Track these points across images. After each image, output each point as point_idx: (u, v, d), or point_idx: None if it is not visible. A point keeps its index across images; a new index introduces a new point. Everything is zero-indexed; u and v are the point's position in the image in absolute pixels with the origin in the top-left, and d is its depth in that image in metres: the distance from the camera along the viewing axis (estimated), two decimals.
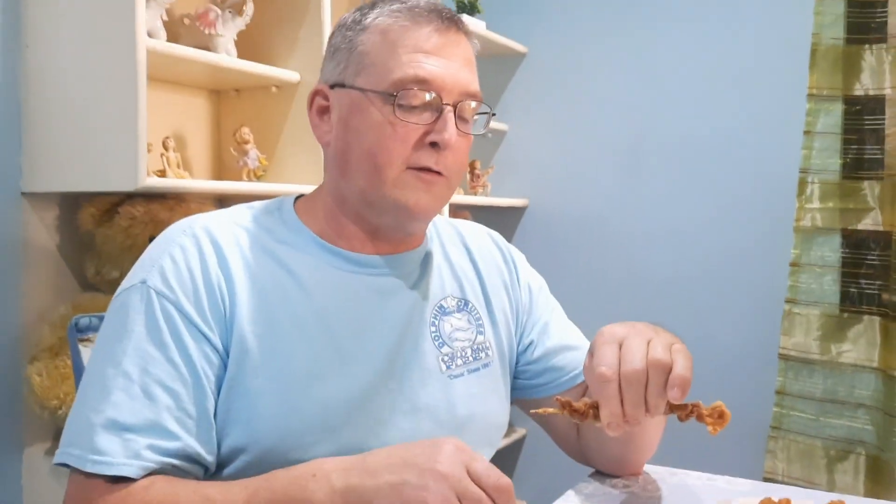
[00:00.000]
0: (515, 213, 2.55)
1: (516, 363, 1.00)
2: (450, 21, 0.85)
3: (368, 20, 0.85)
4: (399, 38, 0.82)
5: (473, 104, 0.86)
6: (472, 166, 2.48)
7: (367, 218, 0.86)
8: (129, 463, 0.71)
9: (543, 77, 2.51)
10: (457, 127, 0.83)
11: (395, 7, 0.85)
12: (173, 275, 0.78)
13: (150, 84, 1.36)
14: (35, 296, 1.50)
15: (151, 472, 0.72)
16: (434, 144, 0.82)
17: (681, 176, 2.29)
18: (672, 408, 0.73)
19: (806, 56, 2.01)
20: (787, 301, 2.05)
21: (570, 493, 0.96)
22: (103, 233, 1.47)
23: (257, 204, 0.91)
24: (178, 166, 1.56)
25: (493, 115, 0.90)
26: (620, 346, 0.72)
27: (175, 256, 0.79)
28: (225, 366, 0.78)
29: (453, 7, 2.34)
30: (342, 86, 0.85)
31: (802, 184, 2.03)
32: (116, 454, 0.71)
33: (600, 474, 1.03)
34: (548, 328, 1.01)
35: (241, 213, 0.88)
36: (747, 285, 2.19)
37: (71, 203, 1.55)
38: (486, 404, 0.92)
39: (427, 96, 0.81)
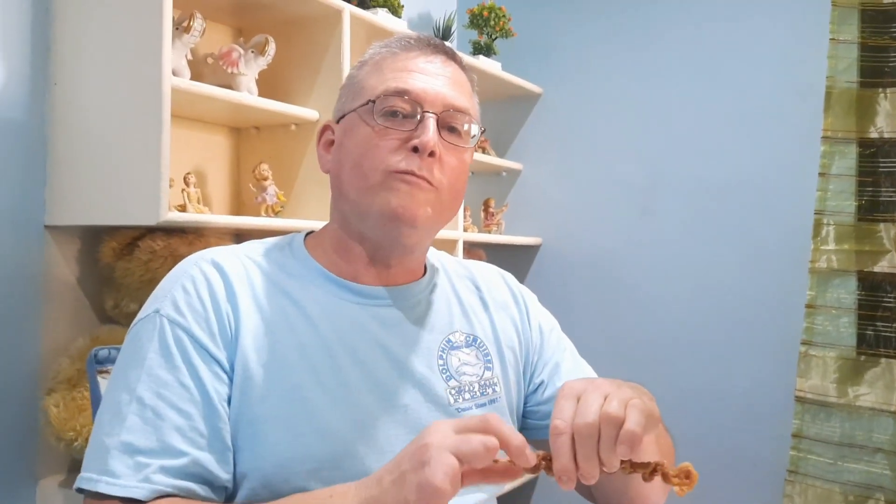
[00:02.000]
0: (529, 251, 2.56)
1: (525, 403, 1.00)
2: (437, 48, 0.90)
3: (367, 56, 0.92)
4: (387, 62, 0.88)
5: (465, 125, 0.88)
6: (486, 204, 2.50)
7: (366, 234, 0.88)
8: (139, 486, 0.72)
9: (558, 118, 2.54)
10: (441, 137, 0.85)
11: (391, 40, 0.91)
12: (184, 303, 0.81)
13: (172, 121, 1.39)
14: (54, 328, 1.52)
15: (166, 495, 0.74)
16: (415, 149, 0.83)
17: (695, 217, 2.30)
18: (633, 466, 0.71)
19: (820, 100, 2.03)
20: (803, 343, 2.03)
21: None
22: (123, 266, 1.48)
23: (269, 240, 0.93)
24: (199, 201, 1.58)
25: (483, 130, 0.93)
26: (578, 400, 0.70)
27: (186, 287, 0.82)
28: (231, 387, 0.80)
29: (469, 49, 2.38)
30: (343, 116, 0.90)
31: (818, 226, 2.03)
32: (128, 476, 0.73)
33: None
34: (559, 369, 1.00)
35: (252, 248, 0.91)
36: (762, 327, 2.18)
37: (92, 237, 1.57)
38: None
39: (407, 106, 0.85)
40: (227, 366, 0.80)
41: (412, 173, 0.83)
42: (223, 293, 0.82)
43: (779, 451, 2.05)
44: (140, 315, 0.84)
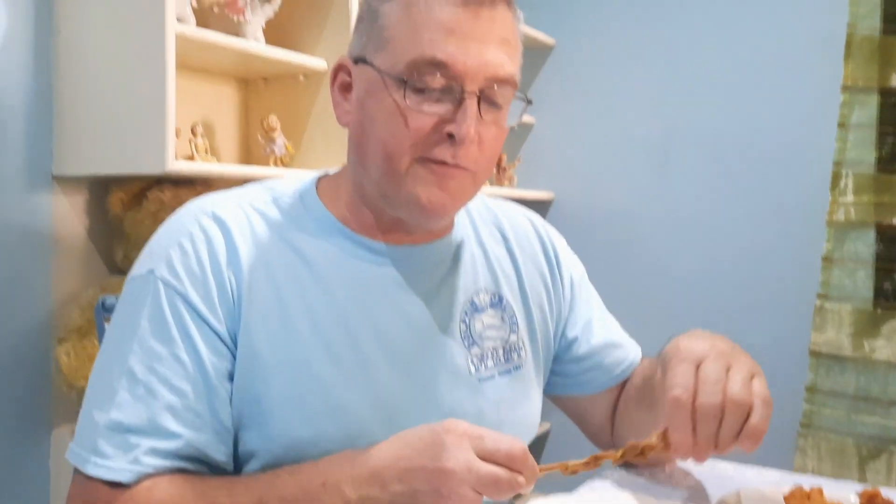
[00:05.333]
0: (541, 206, 2.53)
1: (556, 360, 0.94)
2: None
3: None
4: (421, 12, 0.71)
5: (510, 97, 0.75)
6: (498, 160, 2.46)
7: (385, 210, 0.79)
8: (128, 469, 0.67)
9: (571, 70, 2.48)
10: (481, 115, 0.72)
11: None
12: (181, 265, 0.73)
13: (179, 71, 1.37)
14: (64, 278, 1.51)
15: (161, 473, 0.69)
16: (451, 136, 0.72)
17: (711, 170, 2.26)
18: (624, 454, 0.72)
19: (840, 48, 1.97)
20: (819, 297, 2.01)
21: (597, 480, 0.94)
22: (132, 217, 1.48)
23: (279, 184, 0.83)
24: (207, 152, 1.56)
25: (530, 103, 0.78)
26: (698, 368, 0.67)
27: (184, 246, 0.74)
28: (233, 361, 0.73)
29: None
30: (364, 61, 0.76)
31: (836, 177, 1.99)
32: (117, 458, 0.68)
33: (627, 464, 1.01)
34: (591, 324, 0.94)
35: (258, 195, 0.81)
36: (778, 280, 2.15)
37: (100, 188, 1.56)
38: (517, 409, 0.86)
39: (443, 80, 0.71)
40: (227, 338, 0.72)
41: (445, 163, 0.73)
42: (224, 255, 0.74)
43: (792, 404, 2.04)
44: (134, 271, 0.76)
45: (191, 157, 1.54)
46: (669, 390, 0.67)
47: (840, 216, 1.98)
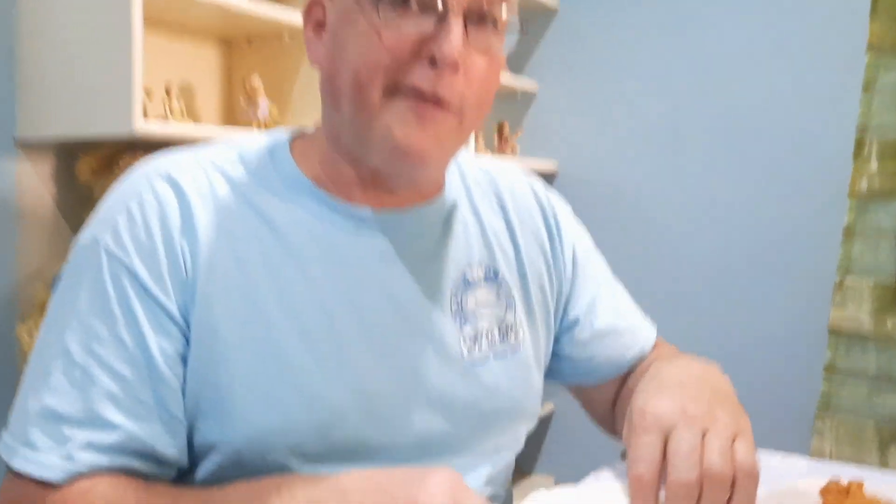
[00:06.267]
0: (544, 178, 2.42)
1: (556, 343, 0.85)
2: None
3: None
4: None
5: (502, 13, 0.65)
6: (500, 128, 2.36)
7: (362, 159, 0.69)
8: (60, 466, 0.60)
9: (576, 36, 2.36)
10: (468, 37, 0.63)
11: None
12: (128, 233, 0.64)
13: (154, 29, 1.28)
14: (30, 251, 1.43)
15: (101, 472, 0.61)
16: (432, 61, 0.62)
17: (724, 140, 2.14)
18: None
19: (865, 4, 1.85)
20: (839, 271, 1.91)
21: (604, 471, 0.84)
22: (102, 185, 1.38)
23: (248, 141, 0.74)
24: (182, 115, 1.46)
25: (525, 32, 0.69)
26: (666, 439, 0.59)
27: (132, 211, 0.65)
28: (187, 342, 0.65)
29: None
30: None
31: (860, 144, 1.87)
32: (49, 451, 0.60)
33: None
34: (595, 304, 0.85)
35: (222, 154, 0.71)
36: (795, 255, 2.04)
37: (68, 154, 1.48)
38: (513, 397, 0.78)
39: None
40: (178, 317, 0.64)
41: (425, 96, 0.64)
42: (178, 223, 0.65)
43: (810, 385, 1.95)
44: (79, 238, 0.68)
45: (165, 120, 1.44)
46: (631, 466, 0.58)
47: (863, 186, 1.87)
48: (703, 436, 0.58)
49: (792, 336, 2.03)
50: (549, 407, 2.41)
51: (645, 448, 0.58)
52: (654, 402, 0.61)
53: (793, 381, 2.01)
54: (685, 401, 0.61)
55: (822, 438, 1.91)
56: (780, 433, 1.97)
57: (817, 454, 1.89)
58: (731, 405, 0.63)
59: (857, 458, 1.85)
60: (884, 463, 1.84)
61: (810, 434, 1.94)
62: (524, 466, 2.49)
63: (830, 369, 1.91)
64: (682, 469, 0.56)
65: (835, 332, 1.91)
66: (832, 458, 1.88)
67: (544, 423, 2.45)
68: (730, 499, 0.57)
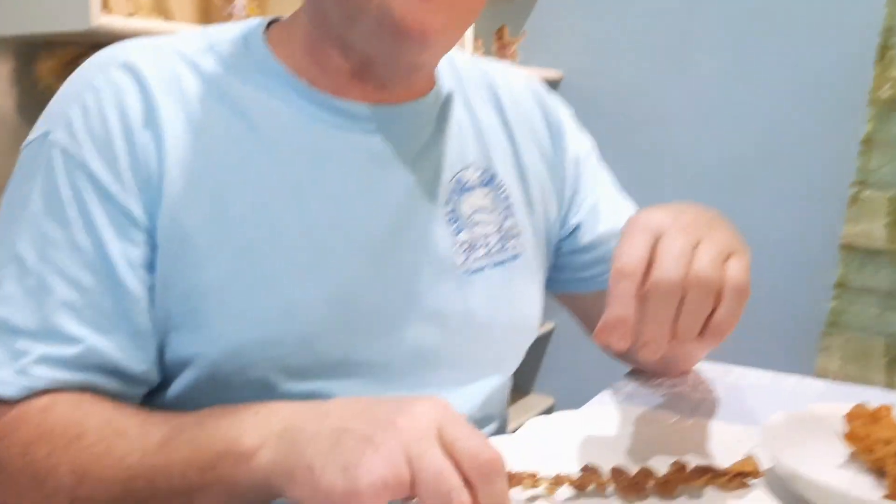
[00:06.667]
0: (548, 86, 2.29)
1: (556, 251, 0.81)
2: None
3: None
4: None
5: None
6: (500, 33, 2.22)
7: (354, 44, 0.63)
8: (13, 381, 0.55)
9: None
10: None
11: None
12: (82, 126, 0.58)
13: None
14: None
15: (62, 390, 0.56)
16: None
17: (735, 43, 2.01)
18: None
19: None
20: (855, 184, 1.82)
21: (607, 393, 0.78)
22: None
23: (217, 30, 0.67)
24: (151, 10, 1.34)
25: None
26: (656, 242, 0.53)
27: (86, 102, 0.59)
28: (154, 247, 0.59)
29: None
30: None
31: (883, 48, 1.76)
32: (2, 365, 0.55)
33: (640, 373, 0.85)
34: (598, 209, 0.80)
35: (189, 42, 0.65)
36: (809, 166, 1.94)
37: (29, 56, 1.37)
38: (513, 307, 0.73)
39: None
40: (142, 218, 0.59)
41: None
42: (139, 113, 0.59)
43: (818, 302, 1.89)
44: (30, 135, 0.62)
45: (132, 16, 1.32)
46: (615, 262, 0.52)
47: (885, 92, 1.76)
48: (696, 246, 0.52)
49: (802, 251, 1.96)
50: (548, 326, 2.36)
51: (632, 245, 0.52)
52: (649, 212, 0.55)
53: (800, 298, 1.95)
54: (680, 213, 0.55)
55: (828, 357, 1.87)
56: (784, 351, 1.92)
57: (822, 373, 1.84)
58: (733, 232, 0.57)
59: (864, 378, 1.81)
60: (890, 382, 1.79)
61: (816, 352, 1.88)
62: (522, 386, 2.46)
63: (841, 286, 1.85)
64: (669, 268, 0.50)
65: (847, 248, 1.84)
66: (838, 377, 1.83)
67: (543, 342, 2.40)
68: (713, 312, 0.51)
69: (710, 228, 0.54)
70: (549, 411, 2.31)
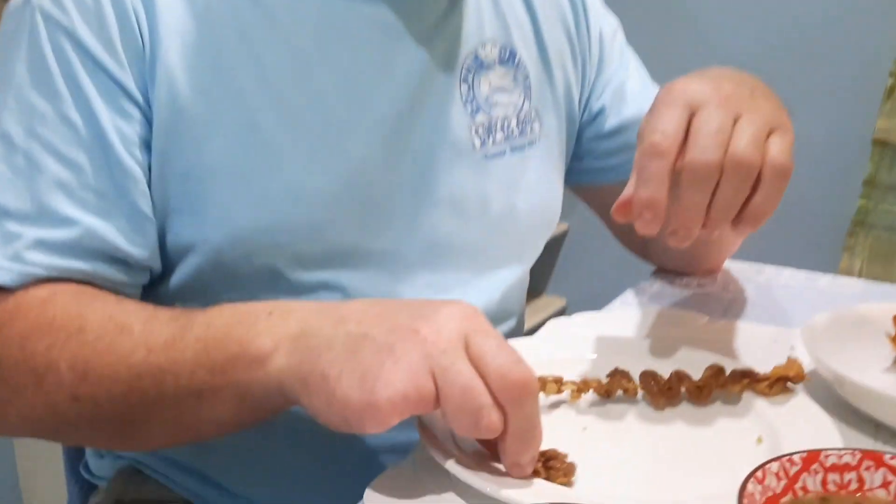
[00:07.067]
0: None
1: (578, 137, 0.77)
2: None
3: None
4: None
5: None
6: None
7: None
8: (7, 266, 0.51)
9: None
10: None
11: None
12: None
13: None
14: None
15: (63, 280, 0.52)
16: None
17: None
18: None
19: None
20: (892, 74, 1.72)
21: (631, 293, 0.73)
22: None
23: None
24: None
25: None
26: (692, 115, 0.48)
27: None
28: (149, 124, 0.55)
29: None
30: None
31: None
32: None
33: (666, 272, 0.80)
34: (623, 91, 0.75)
35: None
36: (843, 56, 1.83)
37: None
38: (532, 195, 0.70)
39: None
40: (137, 94, 0.55)
41: None
42: None
43: (846, 200, 1.83)
44: (11, 1, 0.57)
45: None
46: (646, 137, 0.48)
47: None
48: (736, 122, 0.48)
49: (831, 146, 1.87)
50: (562, 227, 2.31)
51: (665, 119, 0.48)
52: (685, 80, 0.51)
53: (827, 195, 1.88)
54: (720, 82, 0.50)
55: (852, 256, 1.82)
56: (807, 249, 1.87)
57: (846, 272, 1.80)
58: (776, 102, 0.53)
59: (888, 277, 1.77)
60: None
61: (840, 251, 1.83)
62: (534, 287, 2.42)
63: (869, 183, 1.79)
64: (705, 147, 0.46)
65: (879, 144, 1.76)
66: (861, 276, 1.79)
67: (557, 243, 2.37)
68: (751, 195, 0.48)
69: (752, 100, 0.50)
70: (561, 313, 2.30)
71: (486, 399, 0.39)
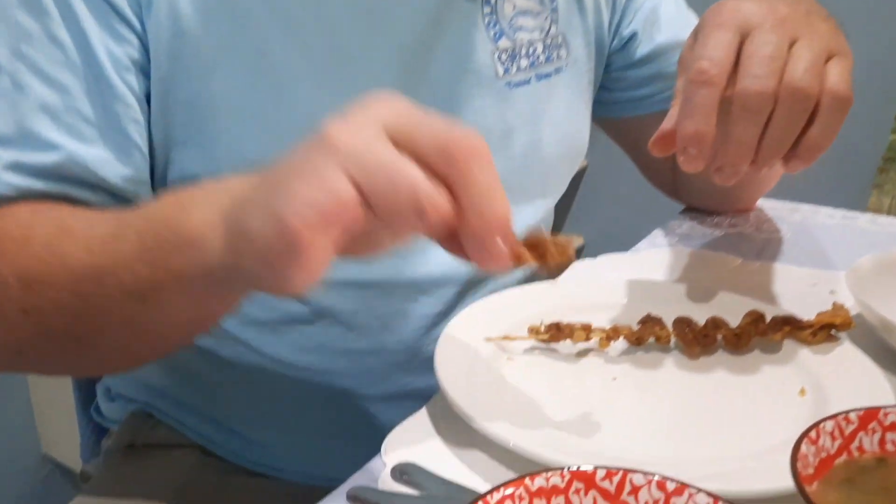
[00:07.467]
0: None
1: (607, 66, 0.72)
2: None
3: None
4: None
5: None
6: None
7: None
8: None
9: None
10: None
11: None
12: None
13: None
14: None
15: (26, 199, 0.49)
16: None
17: None
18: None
19: None
20: None
21: (659, 233, 0.70)
22: None
23: None
24: None
25: None
26: (743, 39, 0.44)
27: None
28: (146, 50, 0.52)
29: None
30: None
31: None
32: None
33: (696, 211, 0.76)
34: (657, 16, 0.70)
35: None
36: None
37: None
38: (558, 126, 0.66)
39: None
40: (131, 16, 0.51)
41: None
42: None
43: (876, 135, 1.76)
44: None
45: None
46: (694, 61, 0.44)
47: None
48: (791, 46, 0.44)
49: (862, 77, 1.79)
50: (582, 163, 2.26)
51: (713, 43, 0.44)
52: (736, 1, 0.46)
53: (856, 130, 1.81)
54: (775, 1, 0.46)
55: (881, 193, 1.77)
56: (836, 186, 1.81)
57: (874, 210, 1.75)
58: (833, 25, 0.49)
59: None
60: None
61: (869, 189, 1.78)
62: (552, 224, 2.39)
63: None
64: (758, 75, 0.43)
65: None
66: (891, 214, 1.74)
67: (576, 179, 2.32)
68: (806, 127, 0.44)
69: (808, 22, 0.46)
70: (578, 253, 2.26)
71: (416, 172, 0.33)
